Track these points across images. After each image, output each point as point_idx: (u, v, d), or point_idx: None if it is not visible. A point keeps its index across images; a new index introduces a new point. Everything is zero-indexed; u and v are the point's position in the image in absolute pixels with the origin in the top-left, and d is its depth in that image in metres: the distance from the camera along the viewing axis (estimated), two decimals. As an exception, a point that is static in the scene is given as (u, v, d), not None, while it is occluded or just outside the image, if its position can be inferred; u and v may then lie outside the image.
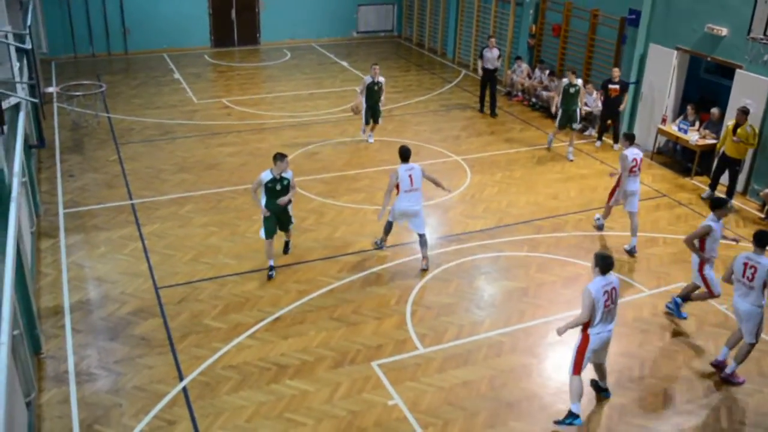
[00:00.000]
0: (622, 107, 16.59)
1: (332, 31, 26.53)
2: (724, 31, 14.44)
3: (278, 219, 10.69)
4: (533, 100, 19.49)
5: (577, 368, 7.85)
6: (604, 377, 8.44)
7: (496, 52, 18.43)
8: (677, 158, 16.03)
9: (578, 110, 16.00)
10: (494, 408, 8.25)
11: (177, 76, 21.36)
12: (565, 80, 15.88)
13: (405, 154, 10.89)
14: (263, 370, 8.70)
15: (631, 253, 11.85)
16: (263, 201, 10.48)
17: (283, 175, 10.45)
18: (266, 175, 10.40)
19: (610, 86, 16.16)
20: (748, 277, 8.50)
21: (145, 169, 14.51)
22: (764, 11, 12.95)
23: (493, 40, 18.57)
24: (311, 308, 10.03)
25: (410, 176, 10.72)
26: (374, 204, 13.22)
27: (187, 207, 12.90)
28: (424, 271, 11.04)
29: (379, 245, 11.65)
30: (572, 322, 7.83)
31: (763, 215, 13.50)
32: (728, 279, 8.92)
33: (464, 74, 22.73)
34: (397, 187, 10.75)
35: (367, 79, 15.86)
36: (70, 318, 9.62)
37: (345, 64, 23.36)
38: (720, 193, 14.06)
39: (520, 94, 20.01)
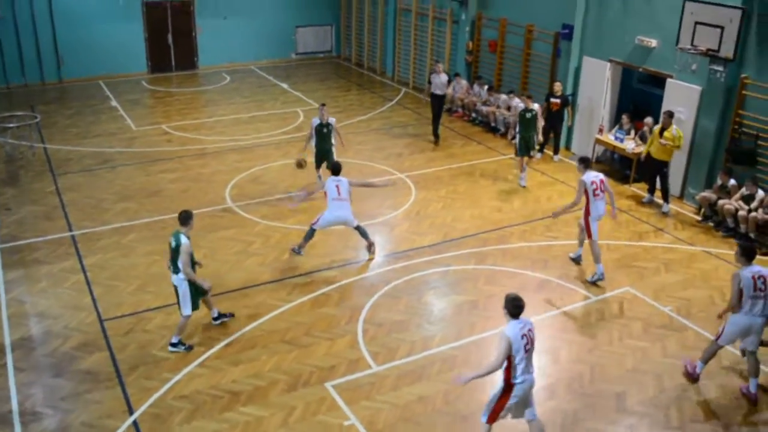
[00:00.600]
0: (568, 122, 16.97)
1: (271, 53, 26.48)
2: (654, 43, 14.92)
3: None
4: (473, 115, 19.76)
5: (492, 418, 7.35)
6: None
7: (444, 77, 17.86)
8: (615, 166, 16.44)
9: (535, 136, 15.46)
10: (450, 422, 8.27)
11: (114, 103, 21.00)
12: (520, 105, 15.66)
13: (335, 169, 11.94)
14: (215, 398, 8.55)
15: (576, 261, 12.05)
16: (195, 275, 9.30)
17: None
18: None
19: (552, 100, 16.51)
20: (760, 288, 8.48)
21: (85, 199, 14.20)
22: (690, 22, 13.41)
23: (440, 65, 18.20)
24: (262, 332, 9.92)
25: (337, 186, 11.55)
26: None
27: (130, 236, 12.66)
28: (372, 258, 11.81)
29: (297, 251, 11.88)
30: (483, 371, 7.22)
31: (700, 218, 13.91)
32: (737, 303, 8.53)
33: (404, 92, 22.93)
34: (325, 195, 11.70)
35: (315, 121, 14.37)
36: (12, 356, 9.30)
37: (285, 86, 23.33)
38: (656, 198, 14.46)
39: (460, 110, 20.26)
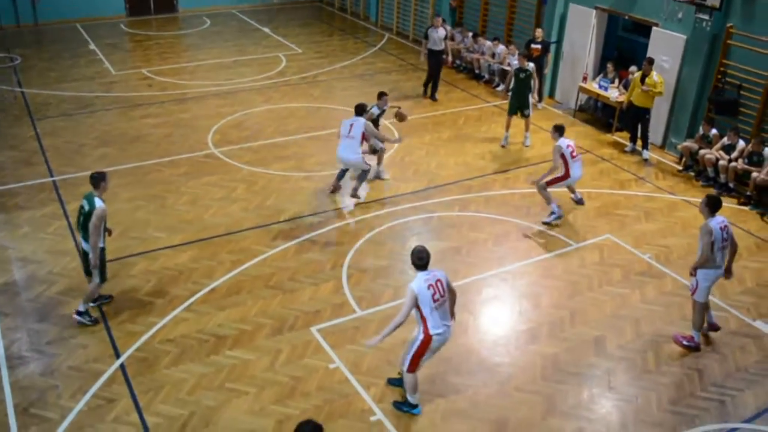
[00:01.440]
0: (546, 70, 16.88)
1: (253, -4, 26.04)
2: (641, -11, 14.82)
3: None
4: (458, 62, 19.60)
5: (412, 367, 7.43)
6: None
7: (442, 31, 16.74)
8: (598, 115, 16.46)
9: (530, 96, 14.74)
10: (433, 365, 8.39)
11: (92, 47, 20.60)
12: (514, 62, 14.84)
13: (359, 109, 12.02)
14: (202, 342, 8.64)
15: (579, 202, 12.01)
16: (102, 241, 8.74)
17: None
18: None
19: (533, 46, 16.39)
20: (725, 238, 8.59)
21: (65, 144, 14.04)
22: (678, -31, 13.32)
23: (439, 18, 16.97)
24: (246, 278, 9.98)
25: (351, 125, 11.70)
26: (304, 171, 13.18)
27: (112, 182, 12.38)
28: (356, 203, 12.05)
29: (334, 191, 12.38)
30: (389, 327, 7.24)
31: (681, 167, 14.04)
32: (711, 256, 8.56)
33: (388, 37, 22.67)
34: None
35: (375, 110, 13.30)
36: (-4, 300, 9.33)
37: (267, 30, 22.97)
38: (638, 147, 14.55)
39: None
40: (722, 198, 9.14)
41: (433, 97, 17.38)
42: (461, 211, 12.07)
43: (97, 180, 8.59)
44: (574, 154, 11.32)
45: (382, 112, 13.39)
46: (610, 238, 11.35)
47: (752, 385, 8.40)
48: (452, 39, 19.82)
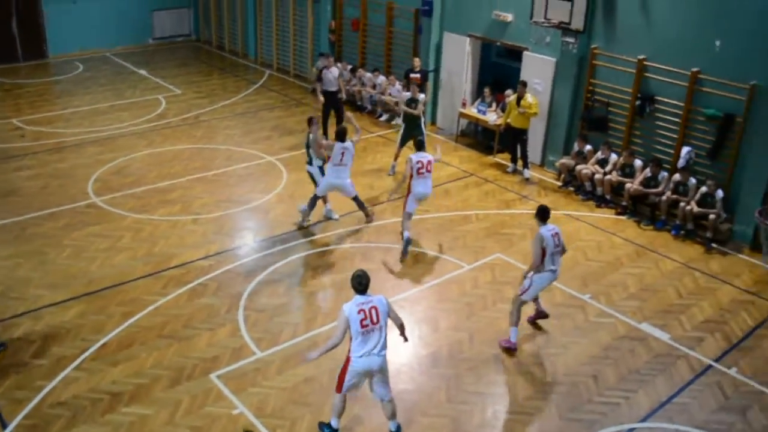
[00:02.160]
0: (426, 97, 17.25)
1: (126, 39, 25.32)
2: (510, 17, 15.49)
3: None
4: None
5: (338, 387, 7.51)
6: (392, 416, 7.75)
7: (335, 71, 16.53)
8: (479, 138, 17.01)
9: (422, 123, 14.65)
10: (338, 400, 8.38)
11: (-44, 99, 19.54)
12: (406, 94, 14.91)
13: (340, 134, 12.01)
14: (95, 402, 8.24)
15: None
16: None
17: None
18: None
19: (412, 75, 16.77)
20: (557, 244, 9.16)
21: (-69, 203, 13.21)
22: (542, -4, 14.01)
23: (330, 58, 16.86)
24: (139, 329, 9.62)
25: (342, 153, 11.89)
26: (191, 213, 12.90)
27: (-14, 240, 11.92)
28: (369, 221, 12.62)
29: (304, 223, 12.45)
30: (325, 347, 7.33)
31: (560, 183, 14.65)
32: (541, 262, 9.07)
33: (269, 74, 22.64)
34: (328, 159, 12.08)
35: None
36: None
37: (144, 72, 22.45)
38: (519, 168, 15.10)
39: (326, 89, 20.20)
40: (601, 209, 9.69)
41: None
42: (354, 243, 12.12)
43: None
44: (421, 171, 11.53)
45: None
46: (500, 257, 11.68)
47: (644, 385, 8.81)
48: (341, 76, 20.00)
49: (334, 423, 7.75)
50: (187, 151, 15.93)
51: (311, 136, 12.41)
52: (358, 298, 7.27)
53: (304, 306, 10.29)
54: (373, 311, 7.24)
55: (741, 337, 9.86)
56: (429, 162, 11.63)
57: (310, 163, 12.56)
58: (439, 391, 8.61)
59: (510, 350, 9.38)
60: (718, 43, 12.33)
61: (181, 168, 14.96)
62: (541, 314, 9.90)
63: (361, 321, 7.17)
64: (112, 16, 24.65)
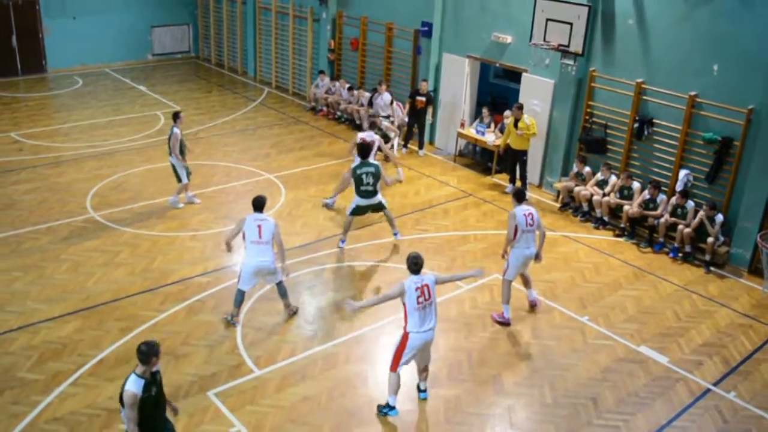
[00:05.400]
0: (429, 119, 17.39)
1: (126, 54, 25.44)
2: (509, 39, 15.60)
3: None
4: (338, 113, 19.86)
5: (394, 365, 8.17)
6: (425, 377, 8.69)
7: (387, 97, 17.33)
8: (477, 159, 17.06)
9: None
10: (336, 419, 8.34)
11: (-46, 112, 19.53)
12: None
13: (259, 204, 9.89)
14: (92, 418, 8.17)
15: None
16: None
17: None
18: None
19: (417, 98, 16.88)
20: (530, 223, 10.08)
21: (-72, 216, 13.15)
22: (542, 19, 14.09)
23: (383, 85, 17.56)
24: (136, 345, 9.53)
25: (259, 226, 9.71)
26: (190, 230, 12.88)
27: (-17, 253, 11.86)
28: (293, 315, 10.38)
29: (231, 321, 10.09)
30: (372, 301, 8.60)
31: (559, 205, 14.68)
32: (513, 237, 10.07)
33: (267, 92, 22.72)
34: (243, 237, 9.81)
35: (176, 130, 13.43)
36: None
37: (143, 88, 22.51)
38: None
39: (324, 108, 20.31)
40: (599, 230, 9.89)
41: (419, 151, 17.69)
42: (352, 261, 12.11)
43: None
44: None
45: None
46: (498, 278, 11.65)
47: (642, 408, 8.79)
48: (329, 91, 20.13)
49: (391, 401, 8.27)
50: (186, 168, 15.92)
51: (175, 130, 13.25)
52: (414, 277, 8.02)
53: (301, 324, 10.24)
54: (426, 288, 7.99)
55: (740, 360, 9.85)
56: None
57: (170, 154, 13.36)
58: (437, 412, 8.57)
59: (503, 324, 10.31)
60: (716, 67, 12.44)
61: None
62: (531, 303, 10.81)
63: (417, 298, 7.92)
64: (112, 32, 24.78)
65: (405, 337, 8.07)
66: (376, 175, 12.16)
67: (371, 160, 12.57)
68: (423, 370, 8.61)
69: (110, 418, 8.19)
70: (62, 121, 19.09)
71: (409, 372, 9.16)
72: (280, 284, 10.16)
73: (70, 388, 8.67)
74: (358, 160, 12.76)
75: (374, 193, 12.25)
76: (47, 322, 9.98)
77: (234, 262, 11.81)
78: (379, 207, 12.46)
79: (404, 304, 7.99)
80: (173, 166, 13.57)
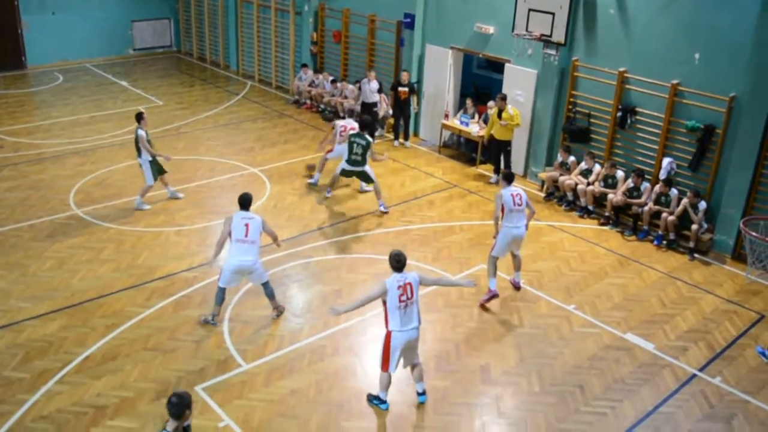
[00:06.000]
0: (415, 109, 17.38)
1: (106, 49, 25.19)
2: (492, 30, 15.60)
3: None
4: (321, 106, 19.81)
5: (385, 365, 8.12)
6: (420, 378, 8.50)
7: (375, 84, 17.35)
8: (462, 150, 17.08)
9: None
10: (325, 411, 8.34)
11: (-67, 109, 19.29)
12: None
13: (245, 201, 9.78)
14: (80, 415, 8.13)
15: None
16: None
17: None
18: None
19: (400, 89, 16.85)
20: (518, 203, 10.32)
21: None
22: (524, 9, 14.10)
23: (372, 72, 17.55)
24: (123, 342, 9.52)
25: (246, 225, 9.58)
26: (175, 225, 12.82)
27: (-34, 252, 11.75)
28: (278, 317, 10.20)
29: (212, 321, 9.94)
30: (354, 305, 8.25)
31: (544, 195, 14.73)
32: (501, 215, 10.35)
33: (250, 86, 22.61)
34: (230, 236, 9.65)
35: (140, 132, 13.02)
36: None
37: (125, 83, 22.33)
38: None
39: (308, 101, 20.25)
40: (584, 219, 9.99)
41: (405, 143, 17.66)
42: (338, 254, 12.10)
43: None
44: (343, 133, 14.17)
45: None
46: (484, 268, 11.67)
47: (630, 394, 8.85)
48: (312, 84, 20.06)
49: (382, 395, 8.35)
50: (170, 163, 15.78)
51: (139, 132, 13.00)
52: (396, 275, 7.92)
53: (289, 317, 10.22)
54: (408, 287, 7.90)
55: (724, 346, 9.94)
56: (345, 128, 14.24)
57: (139, 156, 13.18)
58: (426, 403, 8.58)
59: (492, 297, 10.62)
60: (697, 55, 12.50)
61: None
62: (514, 285, 11.13)
63: (400, 296, 7.84)
64: (92, 27, 24.53)
65: (388, 336, 7.99)
66: (365, 148, 13.22)
67: (366, 135, 13.43)
68: (413, 369, 8.49)
69: (97, 415, 8.15)
70: (43, 117, 18.91)
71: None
72: (266, 285, 9.98)
73: (57, 386, 8.61)
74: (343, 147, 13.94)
75: (362, 163, 13.35)
76: (32, 320, 9.90)
77: (221, 257, 11.76)
78: (365, 177, 13.64)
79: (384, 302, 7.92)
80: (140, 165, 13.35)
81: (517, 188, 10.49)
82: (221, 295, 9.86)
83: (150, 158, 13.20)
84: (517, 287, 11.13)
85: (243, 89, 22.25)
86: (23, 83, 22.26)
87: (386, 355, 8.05)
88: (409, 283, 7.92)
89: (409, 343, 8.07)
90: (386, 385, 8.28)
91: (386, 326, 8.00)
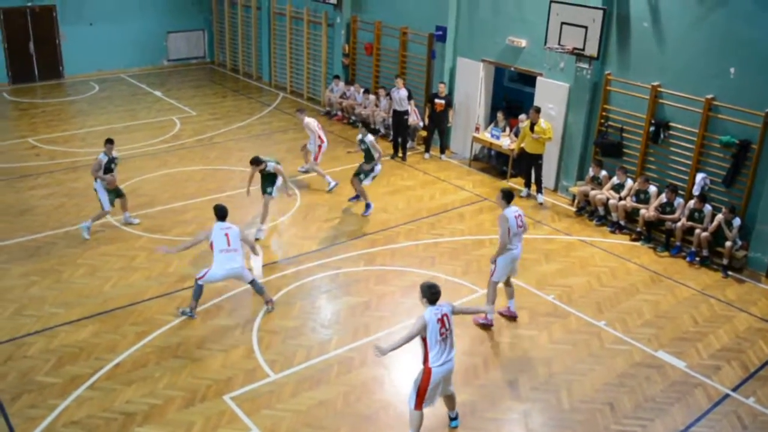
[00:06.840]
0: (450, 122, 17.36)
1: (142, 60, 25.62)
2: (524, 43, 15.56)
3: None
4: (353, 118, 19.89)
5: (418, 404, 7.69)
6: (453, 407, 8.30)
7: (404, 92, 17.25)
8: (493, 163, 17.02)
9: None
10: (353, 423, 8.33)
11: (-27, 118, 19.72)
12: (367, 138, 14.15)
13: (221, 213, 10.31)
14: (109, 421, 8.21)
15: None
16: None
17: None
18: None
19: (436, 101, 16.86)
20: (520, 225, 9.95)
21: (-53, 221, 13.28)
22: (557, 23, 14.06)
23: (400, 80, 17.39)
24: (153, 349, 9.61)
25: (226, 235, 10.05)
26: (207, 234, 12.91)
27: (2, 257, 11.95)
28: (270, 312, 10.56)
29: (189, 314, 10.34)
30: (397, 343, 7.51)
31: (575, 209, 14.62)
32: (508, 241, 9.86)
33: (282, 97, 22.79)
34: (211, 247, 10.11)
35: (102, 157, 12.84)
36: None
37: (159, 93, 22.65)
38: (533, 192, 15.09)
39: (339, 113, 20.35)
40: (615, 235, 9.75)
41: (404, 158, 17.43)
42: (367, 265, 12.11)
43: None
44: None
45: (110, 159, 12.91)
46: (513, 282, 11.61)
47: (660, 414, 8.71)
48: (343, 96, 20.17)
49: None
50: (202, 173, 16.01)
51: (100, 156, 12.74)
52: (432, 308, 7.52)
53: (317, 328, 10.25)
54: (446, 318, 7.57)
55: (758, 366, 9.76)
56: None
57: (95, 179, 12.74)
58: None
59: (487, 326, 10.32)
60: (732, 70, 12.35)
61: (195, 189, 15.02)
62: (510, 315, 10.60)
63: (440, 330, 7.47)
64: (128, 38, 24.94)
65: (427, 373, 7.54)
66: (366, 148, 13.80)
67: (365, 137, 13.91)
68: (449, 400, 8.18)
69: (127, 421, 8.22)
70: (79, 126, 19.24)
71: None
72: (253, 282, 10.46)
73: (87, 391, 8.71)
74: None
75: (370, 159, 13.87)
76: (65, 326, 10.05)
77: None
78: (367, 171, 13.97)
79: (424, 338, 7.47)
80: (97, 192, 12.81)
81: (517, 208, 10.03)
82: (199, 291, 10.26)
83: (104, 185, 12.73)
84: (513, 317, 10.59)
85: (275, 100, 22.43)
86: (60, 93, 22.67)
87: (422, 393, 7.61)
88: (446, 314, 7.55)
89: (446, 375, 7.75)
90: (418, 425, 7.81)
91: (425, 363, 7.56)
